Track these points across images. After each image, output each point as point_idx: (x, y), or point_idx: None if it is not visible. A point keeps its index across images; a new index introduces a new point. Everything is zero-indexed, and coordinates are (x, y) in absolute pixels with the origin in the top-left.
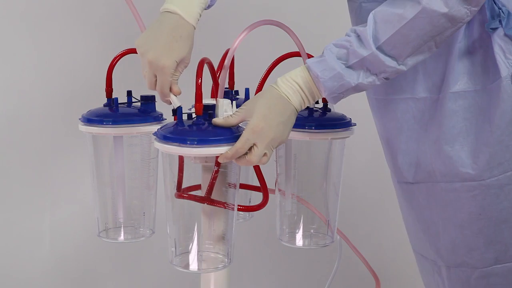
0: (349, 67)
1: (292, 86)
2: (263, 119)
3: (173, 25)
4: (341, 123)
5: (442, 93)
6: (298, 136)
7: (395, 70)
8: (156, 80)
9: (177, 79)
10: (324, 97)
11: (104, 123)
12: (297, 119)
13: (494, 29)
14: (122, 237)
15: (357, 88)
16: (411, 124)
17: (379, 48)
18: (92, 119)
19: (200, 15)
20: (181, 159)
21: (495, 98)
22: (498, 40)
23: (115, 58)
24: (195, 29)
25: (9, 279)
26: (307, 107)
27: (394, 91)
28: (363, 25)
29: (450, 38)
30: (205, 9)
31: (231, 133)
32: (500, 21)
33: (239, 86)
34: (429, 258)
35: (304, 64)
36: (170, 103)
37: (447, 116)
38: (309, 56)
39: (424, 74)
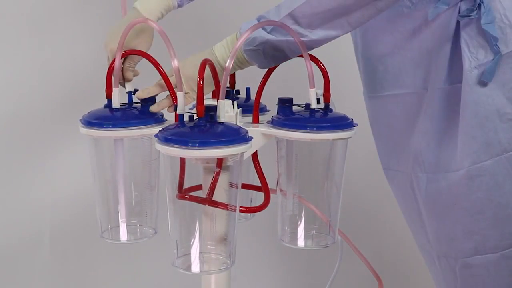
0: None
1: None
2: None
3: (132, 18)
4: (343, 124)
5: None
6: (300, 136)
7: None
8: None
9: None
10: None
11: (105, 126)
12: (299, 119)
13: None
14: (124, 238)
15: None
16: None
17: (290, 14)
18: (93, 121)
19: (162, 14)
20: (182, 160)
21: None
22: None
23: (115, 58)
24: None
25: (9, 279)
26: (309, 107)
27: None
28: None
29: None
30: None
31: (233, 135)
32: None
33: (240, 86)
34: (424, 248)
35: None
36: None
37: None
38: (310, 56)
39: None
